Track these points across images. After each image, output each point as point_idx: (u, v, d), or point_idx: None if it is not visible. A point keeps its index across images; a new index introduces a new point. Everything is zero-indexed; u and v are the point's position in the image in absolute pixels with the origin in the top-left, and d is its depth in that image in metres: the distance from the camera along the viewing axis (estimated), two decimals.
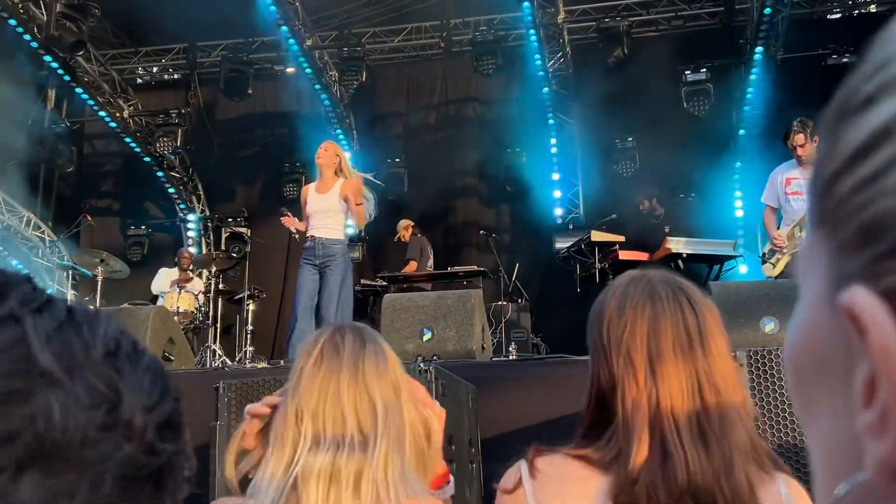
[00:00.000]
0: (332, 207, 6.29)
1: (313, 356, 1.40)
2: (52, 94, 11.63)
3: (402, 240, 9.42)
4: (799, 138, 5.96)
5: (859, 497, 0.36)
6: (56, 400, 0.45)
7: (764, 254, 6.32)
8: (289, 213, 6.47)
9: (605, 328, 1.31)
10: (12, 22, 8.59)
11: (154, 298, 9.09)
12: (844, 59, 8.83)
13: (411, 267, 8.93)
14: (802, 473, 1.91)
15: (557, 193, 10.45)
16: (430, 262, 9.17)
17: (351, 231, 8.30)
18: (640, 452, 1.22)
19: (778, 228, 6.18)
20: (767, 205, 6.30)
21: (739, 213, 9.84)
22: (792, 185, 6.06)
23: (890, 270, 0.34)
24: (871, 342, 0.34)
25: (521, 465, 1.33)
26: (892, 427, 0.33)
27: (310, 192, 6.35)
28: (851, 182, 0.36)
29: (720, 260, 7.38)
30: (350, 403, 1.36)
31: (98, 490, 0.45)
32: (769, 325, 4.25)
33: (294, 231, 6.41)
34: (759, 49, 9.04)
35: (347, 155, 6.94)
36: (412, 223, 9.51)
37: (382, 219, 10.03)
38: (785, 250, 5.99)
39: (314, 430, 1.34)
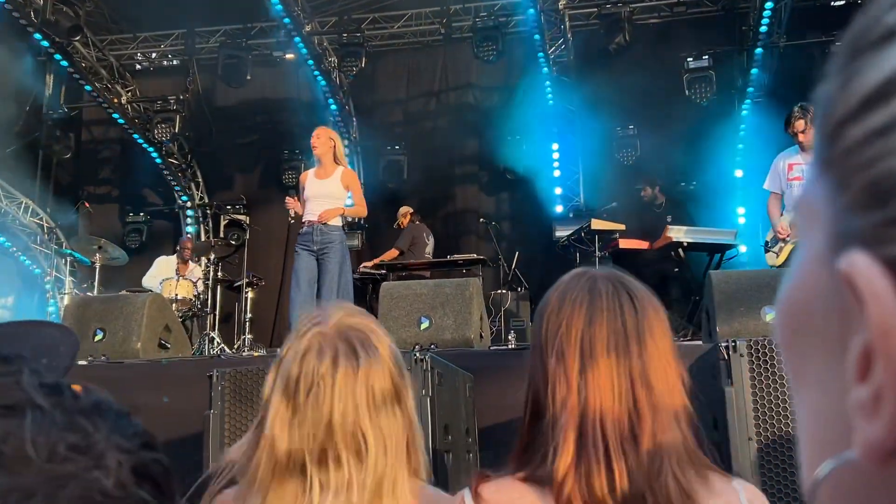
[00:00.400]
0: (332, 194, 6.25)
1: (318, 385, 1.33)
2: (49, 79, 11.59)
3: (401, 226, 9.37)
4: (799, 124, 5.91)
5: (845, 476, 0.34)
6: (33, 418, 0.48)
7: (767, 242, 6.28)
8: (295, 197, 6.40)
9: (543, 325, 1.26)
10: (8, 6, 8.52)
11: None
12: None
13: (391, 254, 8.88)
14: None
15: (558, 181, 10.40)
16: (429, 249, 9.11)
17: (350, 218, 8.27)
18: (565, 457, 1.16)
19: (780, 215, 6.14)
20: (771, 192, 6.24)
21: (741, 204, 9.79)
22: (794, 170, 6.00)
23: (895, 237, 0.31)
24: (869, 316, 0.31)
25: (465, 495, 1.24)
26: (886, 409, 0.31)
27: (309, 178, 6.30)
28: (861, 131, 0.32)
29: (721, 249, 7.35)
30: (344, 441, 1.32)
31: (55, 498, 0.46)
32: (770, 315, 4.20)
33: (293, 214, 6.32)
34: (761, 36, 8.97)
35: (344, 142, 6.90)
36: (412, 210, 9.46)
37: (382, 206, 10.02)
38: (788, 239, 5.95)
39: (319, 477, 1.31)
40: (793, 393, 0.39)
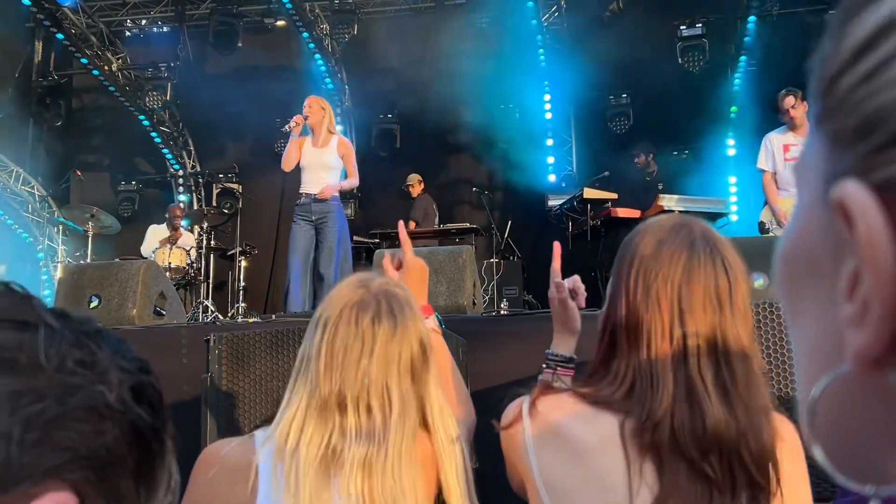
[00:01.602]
0: (328, 164, 6.25)
1: (359, 339, 1.43)
2: (39, 46, 11.47)
3: (410, 192, 9.33)
4: (789, 100, 6.02)
5: (839, 388, 0.38)
6: (45, 332, 0.54)
7: (762, 223, 6.28)
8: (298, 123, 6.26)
9: (635, 268, 1.30)
10: None
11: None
12: None
13: (410, 227, 8.93)
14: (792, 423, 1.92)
15: (550, 151, 10.40)
16: (437, 218, 9.24)
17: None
18: (665, 395, 1.22)
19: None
20: (766, 171, 6.29)
21: (732, 173, 9.82)
22: (791, 150, 6.07)
23: (883, 163, 0.34)
24: (858, 232, 0.34)
25: (524, 402, 1.32)
26: (871, 317, 0.34)
27: (305, 146, 6.28)
28: (853, 77, 0.36)
29: (712, 217, 7.36)
30: (377, 394, 1.41)
31: (65, 403, 0.52)
32: (758, 281, 4.25)
33: (292, 124, 6.21)
34: (755, 4, 8.94)
35: (336, 110, 6.83)
36: (422, 179, 9.48)
37: (374, 176, 10.01)
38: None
39: (355, 420, 1.40)
40: (790, 332, 0.43)
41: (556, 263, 1.87)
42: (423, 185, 9.41)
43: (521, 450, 1.28)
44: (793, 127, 6.11)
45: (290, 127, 6.17)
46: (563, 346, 1.83)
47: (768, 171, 6.28)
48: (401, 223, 2.00)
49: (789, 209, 6.05)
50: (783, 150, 6.15)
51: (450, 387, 1.79)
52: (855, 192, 0.35)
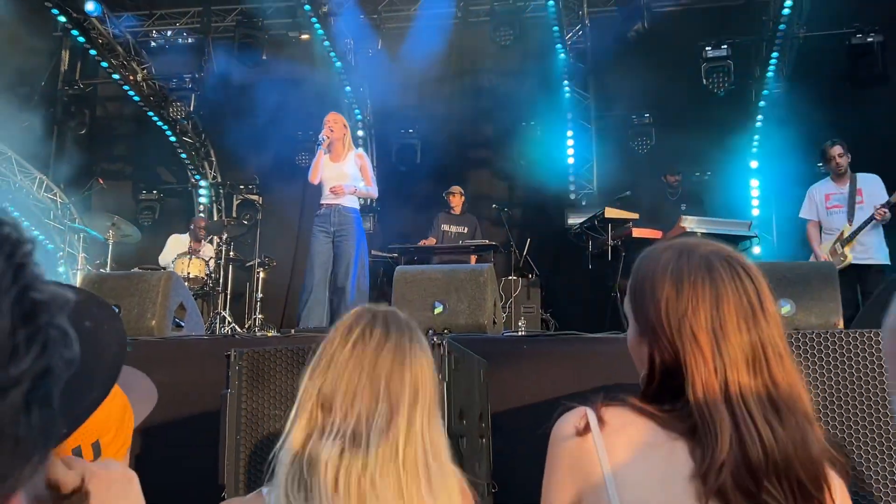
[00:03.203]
0: (346, 174, 6.36)
1: (347, 345, 1.44)
2: (65, 55, 11.60)
3: (450, 202, 9.25)
4: (837, 149, 6.62)
5: None
6: None
7: None
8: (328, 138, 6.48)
9: (662, 308, 1.28)
10: None
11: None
12: (869, 38, 8.68)
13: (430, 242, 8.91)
14: None
15: (571, 169, 10.35)
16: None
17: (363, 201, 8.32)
18: (724, 438, 1.19)
19: (820, 243, 6.76)
20: (809, 220, 6.89)
21: (755, 193, 9.74)
22: (832, 199, 6.73)
23: None
24: None
25: (588, 414, 1.28)
26: None
27: (323, 161, 6.41)
28: None
29: (735, 240, 7.29)
30: (362, 400, 1.41)
31: None
32: (785, 308, 4.19)
33: (324, 137, 6.39)
34: (781, 26, 8.88)
35: (358, 124, 6.93)
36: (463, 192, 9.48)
37: (395, 190, 10.01)
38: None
39: (337, 420, 1.40)
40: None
41: None
42: (463, 199, 9.38)
43: (592, 459, 1.24)
44: (837, 175, 6.69)
45: (323, 138, 6.38)
46: None
47: (812, 220, 6.86)
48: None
49: (828, 253, 6.60)
50: (825, 199, 6.74)
51: None
52: None
